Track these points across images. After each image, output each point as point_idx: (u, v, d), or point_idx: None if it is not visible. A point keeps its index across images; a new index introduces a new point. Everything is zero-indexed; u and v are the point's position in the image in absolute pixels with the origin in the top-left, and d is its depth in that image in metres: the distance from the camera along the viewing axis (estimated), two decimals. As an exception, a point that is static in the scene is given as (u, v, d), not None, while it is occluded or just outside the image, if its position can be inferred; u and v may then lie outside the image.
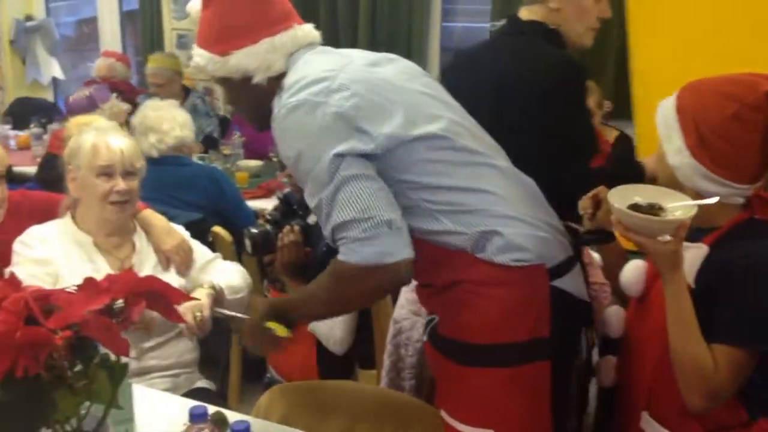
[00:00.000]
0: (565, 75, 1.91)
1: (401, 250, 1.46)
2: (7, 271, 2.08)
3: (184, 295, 1.36)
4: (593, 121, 2.48)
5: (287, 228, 2.21)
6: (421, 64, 1.76)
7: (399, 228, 1.46)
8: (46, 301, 1.19)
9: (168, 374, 2.16)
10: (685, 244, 1.45)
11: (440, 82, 1.78)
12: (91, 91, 3.82)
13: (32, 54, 6.41)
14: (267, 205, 3.43)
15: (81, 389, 1.20)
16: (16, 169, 3.52)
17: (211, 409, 1.49)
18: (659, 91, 1.62)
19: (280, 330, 1.61)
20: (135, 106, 4.86)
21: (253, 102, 1.66)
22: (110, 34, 6.34)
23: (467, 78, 2.02)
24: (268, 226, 2.26)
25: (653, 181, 1.71)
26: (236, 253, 2.85)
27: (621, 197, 1.47)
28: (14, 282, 1.23)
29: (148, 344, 2.09)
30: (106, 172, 2.12)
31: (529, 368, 1.55)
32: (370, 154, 1.48)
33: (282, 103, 1.52)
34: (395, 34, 4.84)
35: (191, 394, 2.11)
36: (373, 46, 4.88)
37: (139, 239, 2.23)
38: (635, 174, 1.84)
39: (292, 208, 2.33)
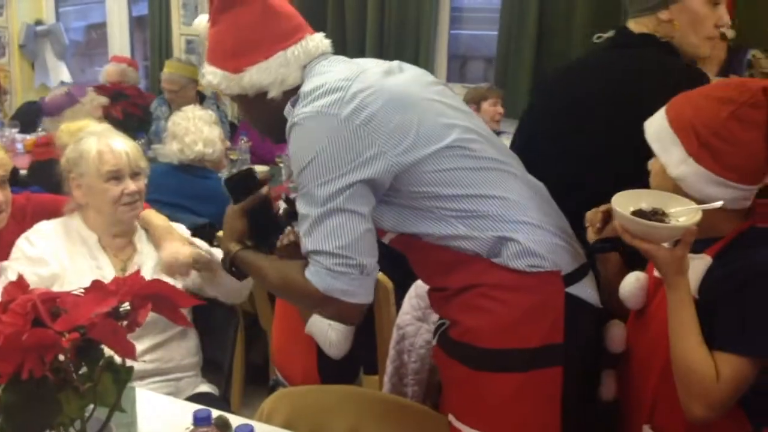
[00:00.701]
0: (694, 84, 1.72)
1: (363, 296, 1.50)
2: (2, 264, 2.11)
3: (190, 299, 1.37)
4: None
5: (288, 229, 2.21)
6: (429, 71, 1.76)
7: (369, 274, 1.49)
8: (53, 303, 1.20)
9: (170, 378, 2.17)
10: (689, 255, 1.45)
11: (542, 96, 1.75)
12: (69, 88, 3.85)
13: (41, 58, 6.45)
14: (272, 210, 3.44)
15: (86, 392, 1.21)
16: (23, 172, 3.54)
17: (215, 413, 1.49)
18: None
19: None
20: (148, 111, 4.93)
21: (269, 117, 1.65)
22: (119, 39, 6.37)
23: (577, 90, 1.96)
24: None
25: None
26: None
27: (625, 203, 1.47)
28: (22, 284, 1.24)
29: (142, 346, 2.08)
30: (115, 176, 2.14)
31: (541, 374, 1.55)
32: (376, 179, 1.48)
33: (296, 112, 1.52)
34: (403, 41, 4.86)
35: (194, 398, 2.12)
36: (381, 52, 4.90)
37: (140, 240, 2.25)
38: None
39: (295, 210, 2.33)
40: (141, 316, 1.22)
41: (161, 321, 1.32)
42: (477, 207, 1.54)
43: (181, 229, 2.35)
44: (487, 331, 1.55)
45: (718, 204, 1.45)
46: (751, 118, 1.45)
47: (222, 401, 2.25)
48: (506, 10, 4.58)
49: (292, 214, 2.30)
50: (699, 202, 1.47)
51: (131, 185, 2.15)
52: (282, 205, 1.91)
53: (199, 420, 1.34)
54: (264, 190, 1.74)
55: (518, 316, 1.53)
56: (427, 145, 1.51)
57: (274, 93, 1.60)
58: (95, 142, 2.17)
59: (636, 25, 1.95)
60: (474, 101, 4.46)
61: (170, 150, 3.35)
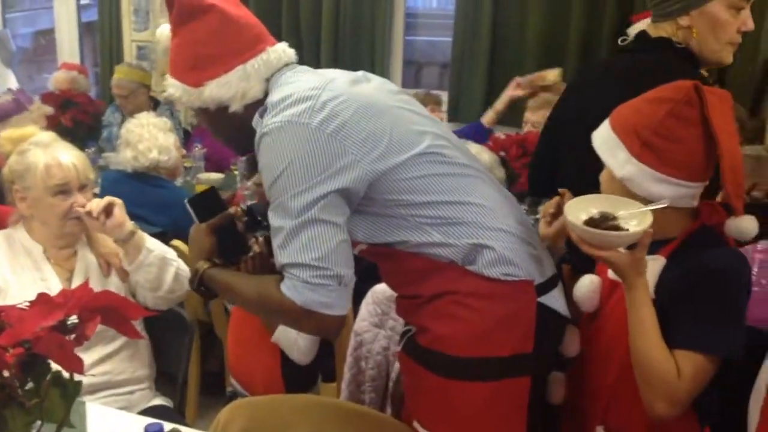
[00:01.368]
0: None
1: (341, 307, 1.48)
2: None
3: (141, 310, 1.34)
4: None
5: (252, 240, 2.19)
6: (385, 77, 1.76)
7: (346, 285, 1.48)
8: (-4, 317, 1.16)
9: (122, 391, 2.12)
10: (642, 257, 1.47)
11: (567, 101, 1.78)
12: (15, 95, 3.75)
13: (-12, 65, 6.31)
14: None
15: (33, 408, 1.17)
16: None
17: (167, 426, 1.47)
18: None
19: None
20: (98, 119, 4.83)
21: (231, 129, 1.63)
22: (68, 46, 6.25)
23: (596, 95, 1.95)
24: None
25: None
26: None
27: (576, 212, 1.49)
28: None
29: (91, 358, 2.03)
30: (63, 190, 2.08)
31: (511, 383, 1.55)
32: (351, 188, 1.46)
33: (266, 122, 1.50)
34: (358, 47, 4.86)
35: (147, 411, 2.07)
36: (337, 57, 4.90)
37: (81, 247, 2.20)
38: None
39: (257, 219, 2.30)
40: (89, 330, 1.19)
41: (110, 330, 1.28)
42: (453, 214, 1.53)
43: None
44: (460, 339, 1.54)
45: (664, 203, 1.49)
46: (687, 115, 1.49)
47: (177, 414, 2.20)
48: (460, 16, 4.61)
49: (251, 224, 2.28)
50: (647, 202, 1.50)
51: (80, 198, 2.09)
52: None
53: (152, 434, 1.32)
54: (232, 210, 1.74)
55: (491, 325, 1.53)
56: (400, 152, 1.51)
57: (235, 107, 1.58)
58: (42, 155, 2.09)
59: (654, 30, 1.97)
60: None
61: (123, 157, 3.26)
